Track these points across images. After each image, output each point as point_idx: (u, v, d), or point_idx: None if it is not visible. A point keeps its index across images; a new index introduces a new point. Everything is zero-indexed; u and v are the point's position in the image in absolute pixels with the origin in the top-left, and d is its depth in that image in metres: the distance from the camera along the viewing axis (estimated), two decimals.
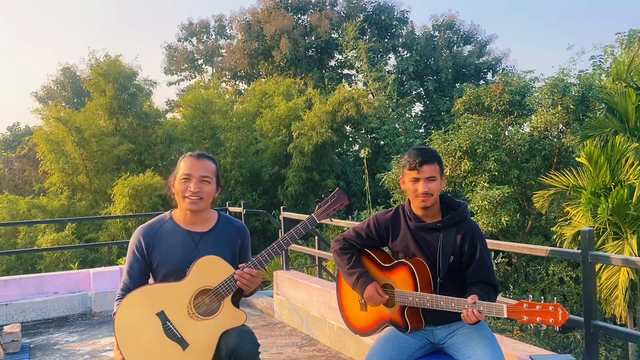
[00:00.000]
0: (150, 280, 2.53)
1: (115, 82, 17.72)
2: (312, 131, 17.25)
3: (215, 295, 2.38)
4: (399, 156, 15.30)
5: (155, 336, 2.30)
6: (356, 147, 21.61)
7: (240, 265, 2.43)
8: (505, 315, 2.16)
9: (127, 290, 2.44)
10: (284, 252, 5.48)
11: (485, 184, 12.53)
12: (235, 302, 2.45)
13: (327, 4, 25.72)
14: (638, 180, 9.65)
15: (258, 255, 2.45)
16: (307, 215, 2.69)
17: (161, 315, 2.31)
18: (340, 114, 17.42)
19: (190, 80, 29.40)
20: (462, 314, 2.27)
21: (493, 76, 24.29)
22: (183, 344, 2.31)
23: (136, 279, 2.46)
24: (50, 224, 15.69)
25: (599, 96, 12.54)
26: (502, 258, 13.18)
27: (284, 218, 5.88)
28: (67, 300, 6.17)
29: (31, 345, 5.06)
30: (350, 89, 19.87)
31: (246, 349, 2.32)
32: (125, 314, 2.30)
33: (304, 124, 17.49)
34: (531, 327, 2.17)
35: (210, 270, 2.39)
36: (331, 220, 2.83)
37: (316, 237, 6.20)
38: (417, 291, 2.41)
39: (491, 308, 2.20)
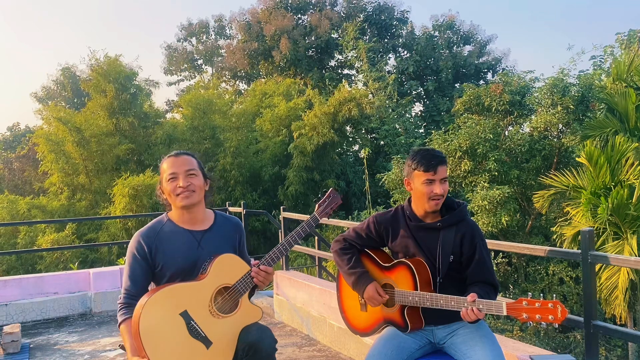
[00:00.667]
0: (152, 285, 2.50)
1: (115, 82, 17.72)
2: (312, 131, 17.24)
3: (234, 293, 2.40)
4: (399, 156, 15.28)
5: (180, 336, 2.29)
6: (356, 147, 21.59)
7: (254, 263, 2.46)
8: (505, 313, 2.15)
9: (130, 297, 2.40)
10: None
11: (486, 184, 12.53)
12: (249, 299, 2.48)
13: (327, 4, 25.70)
14: (638, 180, 9.64)
15: (270, 253, 2.49)
16: (308, 215, 2.72)
17: (185, 315, 2.31)
18: (341, 114, 17.40)
19: (190, 81, 29.45)
20: (461, 312, 2.26)
21: (493, 76, 24.27)
22: (207, 342, 2.31)
23: (139, 284, 2.43)
24: (50, 224, 15.69)
25: (599, 96, 12.53)
26: (502, 258, 13.17)
27: (284, 218, 5.88)
28: (67, 300, 6.17)
29: (31, 346, 5.06)
30: (350, 89, 19.86)
31: (266, 344, 2.35)
32: (149, 316, 2.26)
33: (304, 124, 17.48)
34: (530, 324, 2.17)
35: (229, 268, 2.42)
36: (328, 219, 2.87)
37: (316, 237, 6.19)
38: (417, 291, 2.41)
39: (490, 306, 2.20)
